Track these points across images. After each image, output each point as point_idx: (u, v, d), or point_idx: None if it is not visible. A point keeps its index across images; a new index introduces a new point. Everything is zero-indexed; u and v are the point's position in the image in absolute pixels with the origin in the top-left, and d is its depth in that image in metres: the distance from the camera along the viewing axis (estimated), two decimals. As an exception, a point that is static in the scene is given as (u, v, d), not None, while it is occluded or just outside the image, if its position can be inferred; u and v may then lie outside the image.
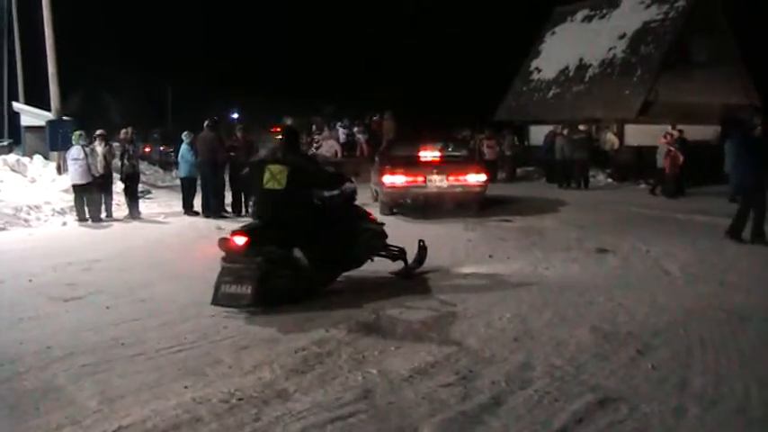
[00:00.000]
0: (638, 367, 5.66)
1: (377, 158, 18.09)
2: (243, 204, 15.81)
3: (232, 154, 15.88)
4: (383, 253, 9.14)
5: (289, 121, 36.51)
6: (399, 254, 9.25)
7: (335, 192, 8.61)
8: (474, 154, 19.80)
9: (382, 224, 9.31)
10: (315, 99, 41.63)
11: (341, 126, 28.63)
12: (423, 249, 9.55)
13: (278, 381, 5.42)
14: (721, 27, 28.03)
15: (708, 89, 26.01)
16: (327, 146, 25.51)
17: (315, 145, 27.46)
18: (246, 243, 7.50)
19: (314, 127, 29.75)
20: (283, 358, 5.91)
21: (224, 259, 7.61)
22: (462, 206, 15.17)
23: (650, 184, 21.60)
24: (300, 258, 7.83)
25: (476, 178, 15.41)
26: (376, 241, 8.98)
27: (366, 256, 8.82)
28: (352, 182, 8.82)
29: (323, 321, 7.00)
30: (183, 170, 16.33)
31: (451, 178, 15.16)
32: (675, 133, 20.69)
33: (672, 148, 19.27)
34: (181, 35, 57.15)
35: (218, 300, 7.36)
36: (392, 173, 15.13)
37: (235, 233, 7.64)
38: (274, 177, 7.92)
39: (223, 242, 7.71)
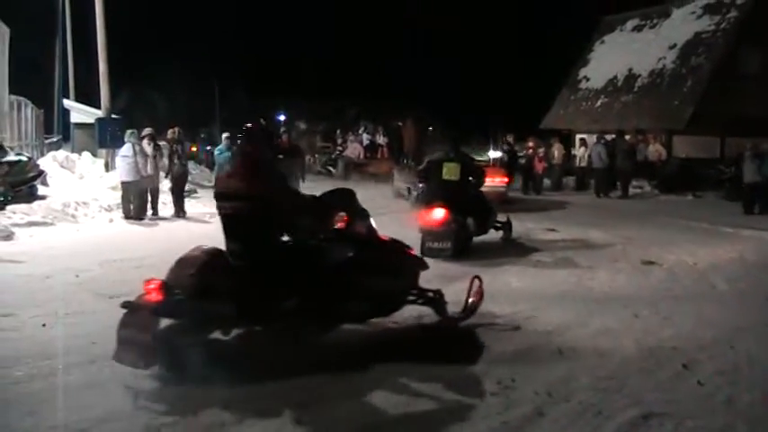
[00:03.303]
0: (684, 382, 5.57)
1: (406, 161, 22.10)
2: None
3: (280, 156, 15.92)
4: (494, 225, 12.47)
5: (302, 126, 39.01)
6: (502, 226, 12.64)
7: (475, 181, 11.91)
8: (497, 161, 23.68)
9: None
10: (341, 101, 42.92)
11: (364, 132, 30.61)
12: (508, 223, 12.80)
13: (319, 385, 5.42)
14: (774, 39, 27.59)
15: (759, 101, 25.55)
16: (352, 148, 28.31)
17: (340, 147, 29.43)
18: (446, 214, 10.68)
19: (338, 131, 32.39)
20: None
21: (425, 225, 10.80)
22: None
23: (696, 196, 21.30)
24: (471, 225, 11.26)
25: (500, 180, 18.51)
26: (495, 216, 12.36)
27: (490, 226, 12.18)
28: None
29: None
30: (219, 171, 16.46)
31: None
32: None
33: None
34: (228, 36, 57.92)
35: (425, 253, 10.03)
36: None
37: (434, 207, 10.88)
38: (451, 171, 11.53)
39: (425, 214, 10.90)
